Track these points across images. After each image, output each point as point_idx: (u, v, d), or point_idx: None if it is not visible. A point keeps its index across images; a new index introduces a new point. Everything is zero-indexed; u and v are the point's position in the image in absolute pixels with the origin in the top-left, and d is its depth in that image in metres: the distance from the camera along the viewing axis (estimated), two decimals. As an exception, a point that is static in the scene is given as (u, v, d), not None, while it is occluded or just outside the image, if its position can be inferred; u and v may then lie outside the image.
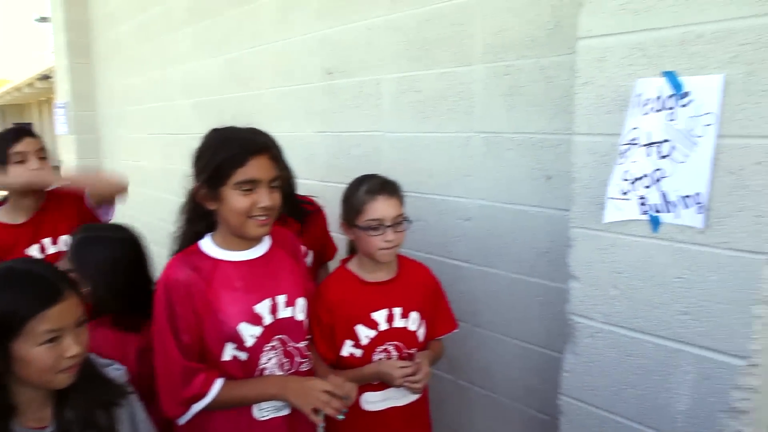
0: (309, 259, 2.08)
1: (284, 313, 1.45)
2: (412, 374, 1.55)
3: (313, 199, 2.13)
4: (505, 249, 1.89)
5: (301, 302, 1.49)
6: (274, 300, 1.43)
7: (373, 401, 1.63)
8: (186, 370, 1.34)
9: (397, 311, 1.64)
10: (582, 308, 1.43)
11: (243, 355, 1.39)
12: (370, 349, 1.61)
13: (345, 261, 1.74)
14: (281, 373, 1.44)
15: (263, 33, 2.90)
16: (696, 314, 1.24)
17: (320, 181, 2.55)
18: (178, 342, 1.34)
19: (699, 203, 1.18)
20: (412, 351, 1.66)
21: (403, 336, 1.65)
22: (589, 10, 1.34)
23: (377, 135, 2.30)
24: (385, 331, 1.62)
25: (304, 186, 2.16)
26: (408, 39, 2.10)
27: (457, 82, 1.96)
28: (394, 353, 1.63)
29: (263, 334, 1.40)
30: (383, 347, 1.63)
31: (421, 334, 1.68)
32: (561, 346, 1.55)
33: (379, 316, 1.62)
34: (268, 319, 1.41)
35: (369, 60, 2.28)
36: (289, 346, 1.45)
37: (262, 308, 1.41)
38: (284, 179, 1.85)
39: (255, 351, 1.39)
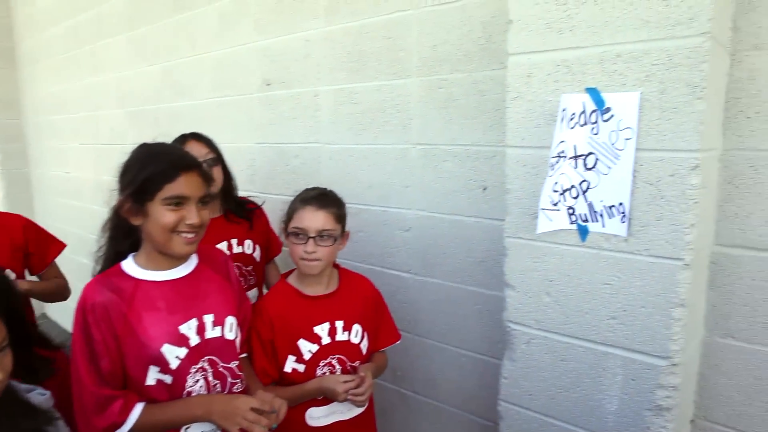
0: (257, 254, 2.14)
1: (212, 333, 1.39)
2: (356, 387, 1.55)
3: (249, 198, 2.24)
4: (443, 258, 1.93)
5: (230, 321, 1.44)
6: (200, 320, 1.38)
7: (318, 416, 1.62)
8: (99, 399, 1.28)
9: (340, 324, 1.64)
10: (517, 315, 1.48)
11: (168, 378, 1.33)
12: (313, 363, 1.60)
13: (285, 275, 1.73)
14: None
15: (202, 42, 2.84)
16: (622, 318, 1.31)
17: (261, 192, 2.52)
18: (95, 368, 1.28)
19: (622, 213, 1.25)
20: (355, 364, 1.66)
21: (347, 349, 1.64)
22: (517, 28, 1.39)
23: (316, 146, 2.30)
24: (327, 344, 1.62)
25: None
26: (345, 51, 2.11)
27: (394, 94, 1.99)
28: (338, 367, 1.63)
29: (189, 356, 1.34)
30: (326, 361, 1.62)
31: (364, 346, 1.68)
32: (500, 352, 1.59)
33: (321, 330, 1.62)
34: (194, 340, 1.36)
35: (307, 71, 2.28)
36: (220, 367, 1.40)
37: (188, 329, 1.36)
38: (225, 181, 2.06)
39: (180, 373, 1.33)
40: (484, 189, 1.78)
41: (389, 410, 2.19)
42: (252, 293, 2.11)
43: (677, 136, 1.18)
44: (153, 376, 1.32)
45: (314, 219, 1.57)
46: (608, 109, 1.26)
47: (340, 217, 1.64)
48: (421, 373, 2.08)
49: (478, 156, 1.78)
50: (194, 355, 1.36)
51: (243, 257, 2.07)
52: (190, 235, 1.33)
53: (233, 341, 1.45)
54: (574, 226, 1.33)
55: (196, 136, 2.01)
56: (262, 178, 2.58)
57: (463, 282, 1.88)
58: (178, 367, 1.33)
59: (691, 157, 1.17)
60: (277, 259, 2.28)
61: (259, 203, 2.23)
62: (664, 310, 1.24)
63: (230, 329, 1.44)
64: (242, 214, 2.11)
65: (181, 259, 1.41)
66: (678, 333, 1.24)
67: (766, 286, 1.34)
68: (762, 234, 1.33)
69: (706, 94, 1.15)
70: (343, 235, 1.66)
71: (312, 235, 1.57)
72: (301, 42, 2.28)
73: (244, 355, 1.54)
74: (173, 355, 1.33)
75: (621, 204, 1.25)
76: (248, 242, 2.10)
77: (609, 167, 1.26)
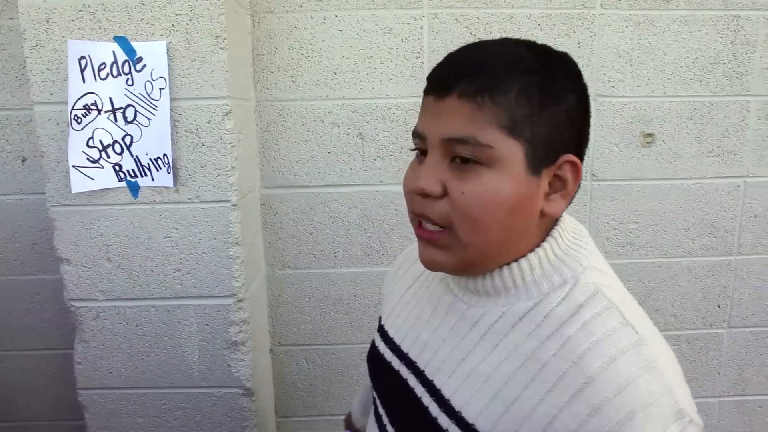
0: None
1: None
2: None
3: None
4: (-16, 250, 1.59)
5: None
6: None
7: None
8: None
9: None
10: (80, 291, 1.34)
11: None
12: None
13: None
14: None
15: None
16: (187, 268, 1.33)
17: None
18: None
19: (168, 164, 1.25)
20: None
21: None
22: (21, -35, 1.21)
23: None
24: None
25: None
26: None
27: None
28: None
29: None
30: None
31: None
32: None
33: None
34: None
35: None
36: None
37: None
38: None
39: None
40: (24, 160, 1.53)
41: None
42: None
43: (208, 84, 1.24)
44: None
45: None
46: (140, 59, 1.22)
47: None
48: (-15, 395, 1.71)
49: (9, 122, 1.51)
50: None
51: None
52: None
53: None
54: (124, 184, 1.26)
55: None
56: None
57: (16, 272, 1.60)
58: None
59: (222, 103, 1.25)
60: None
61: None
62: (222, 251, 1.32)
63: None
64: None
65: None
66: (238, 270, 1.34)
67: (305, 218, 1.57)
68: (296, 173, 1.54)
69: (227, 45, 1.24)
70: None
71: None
72: None
73: None
74: None
75: (165, 155, 1.24)
76: None
77: (149, 119, 1.23)
